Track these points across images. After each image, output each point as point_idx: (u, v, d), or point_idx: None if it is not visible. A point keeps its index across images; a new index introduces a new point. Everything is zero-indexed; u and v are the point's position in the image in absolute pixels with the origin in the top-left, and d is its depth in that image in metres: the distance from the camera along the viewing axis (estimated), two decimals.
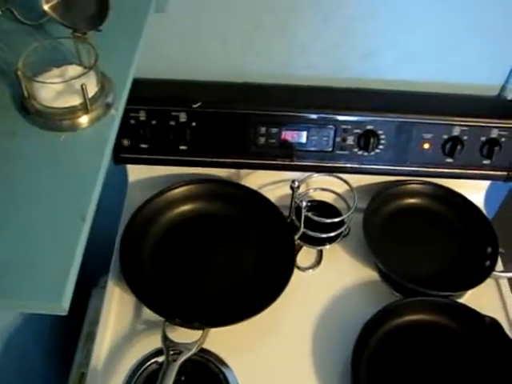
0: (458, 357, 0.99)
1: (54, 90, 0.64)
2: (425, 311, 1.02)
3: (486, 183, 1.20)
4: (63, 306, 0.49)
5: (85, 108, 0.65)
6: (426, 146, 1.09)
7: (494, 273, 1.07)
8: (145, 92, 1.04)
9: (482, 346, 0.99)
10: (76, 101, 0.65)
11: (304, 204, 1.02)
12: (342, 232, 1.10)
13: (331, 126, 1.06)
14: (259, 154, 1.10)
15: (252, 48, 1.06)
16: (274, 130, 1.07)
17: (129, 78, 0.75)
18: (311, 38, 1.04)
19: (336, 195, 1.14)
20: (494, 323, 0.99)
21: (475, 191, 1.20)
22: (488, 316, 1.00)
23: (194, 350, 0.91)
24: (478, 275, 1.06)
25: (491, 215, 1.41)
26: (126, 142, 1.09)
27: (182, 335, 0.93)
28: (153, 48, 0.98)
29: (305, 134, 1.07)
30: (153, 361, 0.95)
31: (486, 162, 1.11)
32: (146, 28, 0.81)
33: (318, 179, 1.12)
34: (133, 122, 1.06)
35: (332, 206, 1.14)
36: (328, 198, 1.16)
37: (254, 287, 1.02)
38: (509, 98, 1.14)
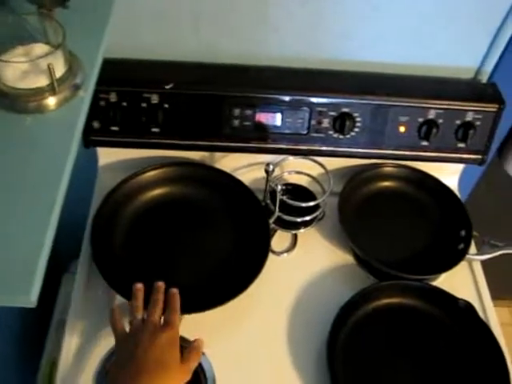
0: (433, 339, 0.99)
1: (19, 69, 0.61)
2: (400, 295, 1.02)
3: (461, 166, 1.20)
4: (31, 299, 0.46)
5: (52, 89, 0.62)
6: (402, 129, 1.08)
7: (468, 256, 1.08)
8: (115, 72, 1.00)
9: (456, 328, 1.00)
10: (43, 81, 0.62)
11: (279, 188, 1.01)
12: (317, 216, 1.09)
13: (306, 109, 1.05)
14: (233, 137, 1.07)
15: (225, 28, 1.03)
16: (249, 112, 1.04)
17: (98, 57, 0.72)
18: (286, 18, 1.02)
19: (311, 178, 1.12)
20: (468, 306, 1.00)
21: (450, 174, 1.21)
22: (462, 299, 1.00)
23: None
24: (451, 258, 1.06)
25: (464, 198, 1.42)
26: (95, 125, 1.05)
27: None
28: (123, 27, 0.95)
29: (279, 116, 1.05)
30: None
31: (461, 145, 1.11)
32: (116, 5, 0.78)
33: (293, 162, 1.11)
34: (103, 103, 1.02)
35: (307, 190, 1.13)
36: (303, 181, 1.14)
37: (228, 272, 1.00)
38: (484, 81, 1.13)
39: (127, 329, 0.85)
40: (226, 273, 1.00)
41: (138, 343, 0.80)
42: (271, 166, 1.01)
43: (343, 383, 0.91)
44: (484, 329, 0.98)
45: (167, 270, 1.00)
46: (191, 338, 0.95)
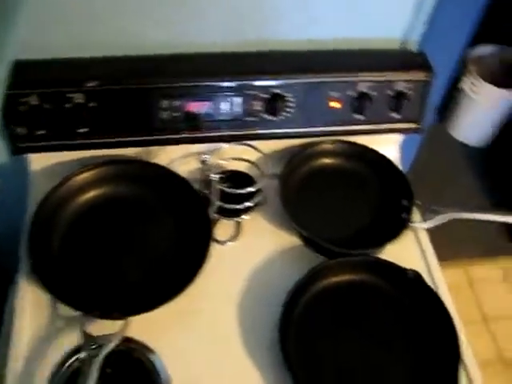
0: (384, 312, 1.00)
1: None
2: (348, 271, 1.02)
3: (399, 137, 1.20)
4: None
5: None
6: (335, 104, 1.07)
7: (412, 224, 1.09)
8: (33, 74, 0.96)
9: (406, 299, 1.00)
10: None
11: (215, 176, 0.99)
12: (258, 201, 1.07)
13: (237, 93, 1.03)
14: (165, 129, 1.05)
15: (145, 17, 1.00)
16: (178, 103, 1.02)
17: (5, 59, 0.69)
18: (209, 2, 0.99)
19: (250, 163, 1.11)
20: (416, 276, 1.00)
21: (389, 145, 1.20)
22: (410, 269, 1.01)
23: (115, 342, 0.87)
24: (395, 229, 1.06)
25: (408, 166, 1.43)
26: (21, 131, 1.01)
27: (106, 326, 0.89)
28: (35, 22, 0.90)
29: (210, 103, 1.03)
30: (74, 358, 0.90)
31: (396, 115, 1.11)
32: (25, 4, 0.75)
33: (230, 149, 1.09)
34: (24, 107, 0.98)
35: (247, 175, 1.11)
36: (243, 167, 1.13)
37: (172, 268, 0.98)
38: (412, 51, 1.13)
39: None
40: (170, 268, 0.98)
41: None
42: (206, 156, 0.99)
43: (297, 364, 0.90)
44: (433, 297, 0.99)
45: (110, 273, 0.98)
46: (142, 339, 0.93)
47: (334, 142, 1.15)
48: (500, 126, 2.48)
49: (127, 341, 0.92)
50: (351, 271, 1.02)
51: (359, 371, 0.94)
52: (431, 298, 0.99)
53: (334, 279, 1.01)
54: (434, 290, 1.02)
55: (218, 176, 1.00)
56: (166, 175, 1.06)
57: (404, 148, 1.25)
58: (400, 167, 1.18)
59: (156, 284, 0.96)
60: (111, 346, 0.87)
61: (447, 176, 2.38)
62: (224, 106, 1.03)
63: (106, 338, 0.88)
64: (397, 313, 1.00)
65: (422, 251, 1.11)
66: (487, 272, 2.14)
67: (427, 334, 0.97)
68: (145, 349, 0.92)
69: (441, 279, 1.07)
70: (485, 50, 2.53)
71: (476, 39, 2.53)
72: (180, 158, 1.10)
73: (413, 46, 1.14)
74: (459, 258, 2.14)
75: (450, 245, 2.14)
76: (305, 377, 0.89)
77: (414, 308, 0.99)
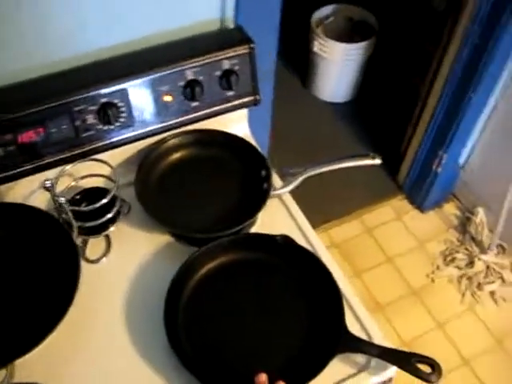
0: (266, 280, 1.03)
1: None
2: (221, 254, 1.03)
3: (243, 112, 1.23)
4: None
5: None
6: (168, 98, 1.08)
7: (275, 192, 1.12)
8: None
9: (283, 262, 1.03)
10: None
11: (62, 199, 0.97)
12: (119, 210, 1.06)
13: (65, 112, 1.01)
14: (4, 166, 1.01)
15: None
16: (9, 137, 0.98)
17: None
18: (6, 29, 0.97)
19: (102, 177, 1.09)
20: (285, 239, 1.03)
21: (237, 123, 1.23)
22: (278, 235, 1.03)
23: None
24: (260, 200, 1.09)
25: (266, 140, 1.46)
26: None
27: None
28: None
29: (41, 129, 1.00)
30: None
31: (230, 93, 1.13)
32: None
33: (78, 168, 1.07)
34: None
35: (103, 189, 1.08)
36: (100, 182, 1.11)
37: (47, 302, 0.96)
38: (229, 27, 1.16)
39: None
40: (45, 303, 0.96)
41: None
42: (49, 182, 0.97)
43: (193, 359, 0.91)
44: (305, 253, 1.02)
45: None
46: (38, 381, 0.91)
47: (178, 134, 1.15)
48: (358, 77, 2.59)
49: None
50: (224, 253, 1.03)
51: (256, 342, 0.96)
52: (304, 255, 1.02)
53: (210, 265, 1.02)
54: (310, 246, 1.06)
55: (64, 199, 0.98)
56: (21, 211, 1.02)
57: (256, 121, 1.28)
58: (253, 141, 1.21)
59: (33, 322, 0.93)
60: None
61: (320, 136, 2.45)
62: (56, 129, 1.01)
63: None
64: (277, 278, 1.03)
65: (291, 215, 1.14)
66: (381, 215, 2.23)
67: (310, 288, 1.00)
68: None
69: (314, 236, 1.10)
70: (327, 10, 2.62)
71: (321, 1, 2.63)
72: (36, 190, 1.07)
73: (230, 23, 1.16)
74: (353, 210, 2.21)
75: (342, 200, 2.22)
76: (204, 371, 0.90)
77: (291, 269, 1.02)
